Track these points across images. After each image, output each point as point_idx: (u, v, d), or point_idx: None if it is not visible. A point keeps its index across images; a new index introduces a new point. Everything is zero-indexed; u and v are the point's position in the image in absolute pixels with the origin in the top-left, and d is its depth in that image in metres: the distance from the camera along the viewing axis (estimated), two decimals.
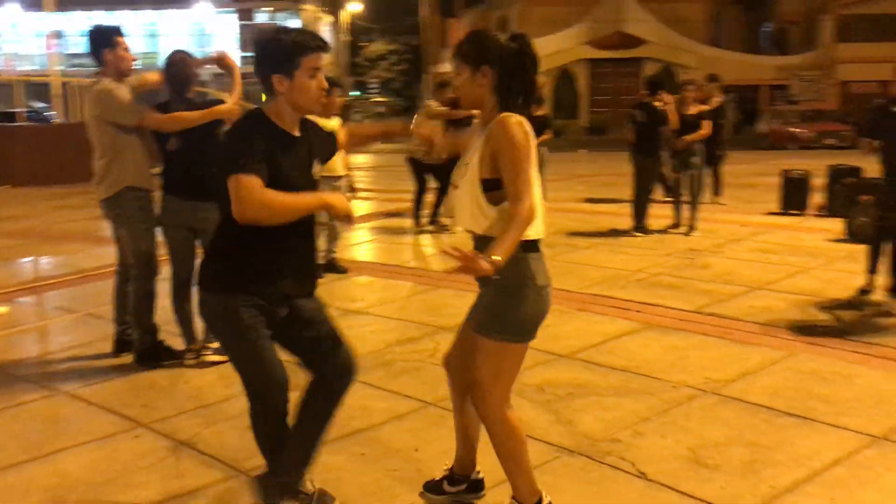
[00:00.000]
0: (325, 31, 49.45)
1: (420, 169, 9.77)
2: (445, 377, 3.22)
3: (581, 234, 9.49)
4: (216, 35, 43.28)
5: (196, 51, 6.32)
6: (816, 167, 11.69)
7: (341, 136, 3.31)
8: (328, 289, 7.11)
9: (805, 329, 5.60)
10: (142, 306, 5.11)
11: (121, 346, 5.32)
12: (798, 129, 27.37)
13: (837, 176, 10.69)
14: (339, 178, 7.52)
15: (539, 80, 2.99)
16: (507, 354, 2.89)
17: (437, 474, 3.35)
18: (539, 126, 11.21)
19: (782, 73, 38.00)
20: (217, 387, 4.70)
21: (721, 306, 6.23)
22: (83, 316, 6.44)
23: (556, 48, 36.30)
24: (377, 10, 52.45)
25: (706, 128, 9.28)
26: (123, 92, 4.89)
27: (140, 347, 5.14)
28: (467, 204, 2.85)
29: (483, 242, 2.80)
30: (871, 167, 10.54)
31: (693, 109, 9.34)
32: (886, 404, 4.26)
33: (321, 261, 7.56)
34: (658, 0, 38.93)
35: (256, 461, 3.62)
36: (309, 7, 46.31)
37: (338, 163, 7.45)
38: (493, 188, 2.78)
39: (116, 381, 4.84)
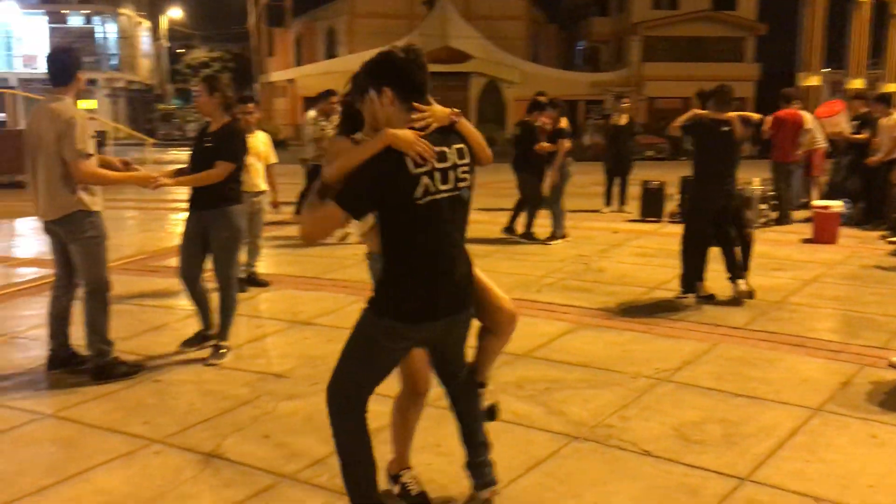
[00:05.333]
0: (143, 36, 47.43)
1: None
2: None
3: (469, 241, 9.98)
4: (24, 39, 40.39)
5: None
6: (663, 178, 12.92)
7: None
8: (260, 304, 7.18)
9: (714, 322, 6.40)
10: (99, 321, 5.12)
11: (56, 363, 5.31)
12: None
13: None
14: (260, 193, 7.59)
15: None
16: None
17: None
18: None
19: (595, 89, 40.83)
20: (208, 400, 4.77)
21: (632, 305, 6.94)
22: None
23: None
24: (198, 17, 51.05)
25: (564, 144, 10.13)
26: (87, 126, 4.92)
27: (99, 362, 5.13)
28: None
29: None
30: None
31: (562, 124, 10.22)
32: (810, 382, 5.04)
33: (242, 275, 7.59)
34: (481, 17, 40.62)
35: (295, 464, 3.83)
36: (127, 11, 44.23)
37: (258, 178, 7.53)
38: None
39: (97, 402, 4.77)
